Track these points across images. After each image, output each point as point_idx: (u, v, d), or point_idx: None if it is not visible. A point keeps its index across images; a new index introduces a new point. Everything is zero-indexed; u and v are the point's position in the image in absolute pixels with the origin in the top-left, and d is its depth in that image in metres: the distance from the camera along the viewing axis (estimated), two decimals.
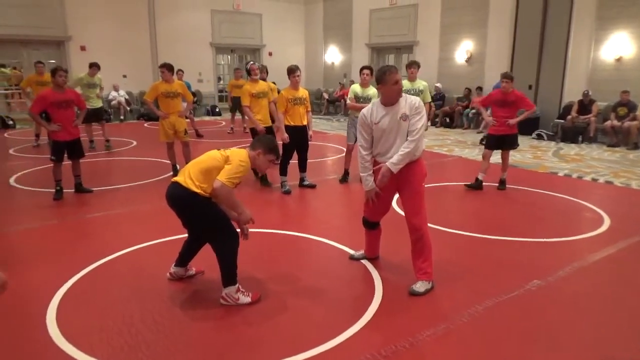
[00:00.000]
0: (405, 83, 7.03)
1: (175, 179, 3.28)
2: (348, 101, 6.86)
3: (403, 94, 3.54)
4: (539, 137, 11.40)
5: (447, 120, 13.56)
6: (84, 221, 5.26)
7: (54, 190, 6.00)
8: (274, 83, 8.32)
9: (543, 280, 3.73)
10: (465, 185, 6.72)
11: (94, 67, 9.21)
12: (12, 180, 6.98)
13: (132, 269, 3.96)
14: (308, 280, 3.79)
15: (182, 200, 3.21)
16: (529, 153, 9.60)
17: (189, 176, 3.19)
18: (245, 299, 3.32)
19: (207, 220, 3.26)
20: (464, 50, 13.65)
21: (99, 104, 9.48)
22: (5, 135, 11.53)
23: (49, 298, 3.41)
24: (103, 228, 5.04)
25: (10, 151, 9.40)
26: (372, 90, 6.74)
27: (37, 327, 3.05)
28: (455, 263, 4.15)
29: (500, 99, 6.51)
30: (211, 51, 16.95)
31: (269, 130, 6.72)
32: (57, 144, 5.97)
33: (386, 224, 5.24)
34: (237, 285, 3.32)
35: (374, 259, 4.13)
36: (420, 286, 3.50)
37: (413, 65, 6.96)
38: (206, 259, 3.60)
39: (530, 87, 12.17)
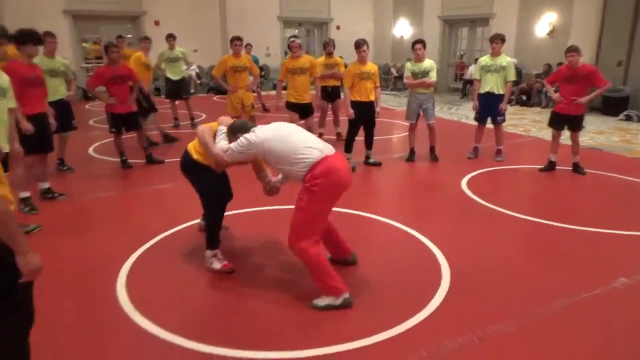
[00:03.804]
0: (486, 59, 6.66)
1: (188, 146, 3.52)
2: (405, 80, 6.73)
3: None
4: (628, 118, 10.43)
5: (524, 98, 12.74)
6: (154, 191, 5.43)
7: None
8: (340, 57, 8.13)
9: (630, 279, 3.38)
10: (538, 169, 6.29)
11: (170, 38, 8.99)
12: (90, 150, 7.37)
13: (200, 240, 4.02)
14: (370, 263, 3.67)
15: (183, 165, 3.52)
16: (616, 136, 8.81)
17: (193, 144, 3.47)
18: (216, 265, 3.43)
19: (198, 187, 3.49)
20: (546, 22, 12.66)
21: (178, 76, 9.07)
22: (87, 106, 12.20)
23: (120, 265, 3.54)
24: (172, 198, 5.18)
25: (90, 122, 9.93)
26: (427, 63, 6.49)
27: (108, 292, 3.17)
28: (530, 253, 3.87)
29: (568, 75, 5.93)
30: (279, 25, 16.89)
31: (306, 107, 6.68)
32: (114, 117, 6.19)
33: (455, 210, 5.01)
34: (215, 251, 3.48)
35: (344, 262, 3.53)
36: (319, 300, 3.00)
37: (496, 38, 6.56)
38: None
39: (619, 63, 11.12)
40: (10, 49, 4.15)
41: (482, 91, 6.68)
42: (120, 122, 6.20)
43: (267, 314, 2.95)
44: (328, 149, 2.98)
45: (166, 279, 3.38)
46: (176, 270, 3.51)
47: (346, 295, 2.99)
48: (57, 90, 5.62)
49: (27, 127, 4.29)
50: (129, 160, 6.35)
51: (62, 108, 5.65)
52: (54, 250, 3.84)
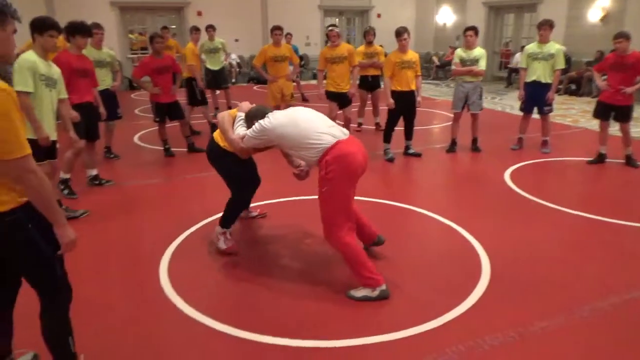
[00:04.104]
0: (533, 46, 6.44)
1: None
2: (453, 66, 6.58)
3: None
4: None
5: (573, 87, 12.20)
6: (196, 179, 5.54)
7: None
8: (381, 46, 8.01)
9: None
10: (587, 161, 6.03)
11: (209, 29, 8.87)
12: (135, 138, 7.60)
13: (241, 228, 4.08)
14: (408, 254, 3.64)
15: (209, 153, 3.59)
16: None
17: (218, 132, 3.48)
18: (222, 244, 3.57)
19: (225, 174, 3.60)
20: (598, 7, 12.05)
21: (218, 66, 8.91)
22: (132, 96, 12.57)
23: (163, 250, 3.65)
24: (213, 186, 5.24)
25: (136, 111, 10.23)
26: (478, 51, 6.33)
27: (151, 276, 3.27)
28: (577, 249, 3.73)
29: (616, 62, 5.64)
30: (319, 14, 16.83)
31: (345, 96, 6.60)
32: (158, 106, 6.33)
33: (497, 203, 4.87)
34: (226, 230, 3.59)
35: (372, 245, 3.55)
36: (356, 291, 2.99)
37: (545, 25, 6.31)
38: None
39: None
40: (60, 41, 4.30)
41: (528, 80, 6.45)
42: (164, 112, 6.34)
43: (304, 303, 2.97)
44: (341, 134, 2.97)
45: (206, 266, 3.46)
46: (216, 258, 3.58)
47: (383, 287, 2.97)
48: (103, 80, 5.80)
49: (74, 115, 4.43)
50: (172, 149, 6.52)
51: (108, 98, 5.82)
52: (101, 235, 4.00)
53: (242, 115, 3.35)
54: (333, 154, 2.85)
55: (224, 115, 3.43)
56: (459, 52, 6.48)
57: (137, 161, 6.38)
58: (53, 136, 3.93)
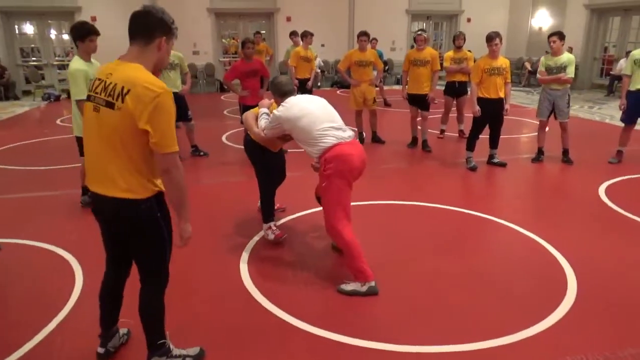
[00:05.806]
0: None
1: None
2: (538, 74, 6.32)
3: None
4: None
5: None
6: None
7: None
8: (469, 51, 7.79)
9: None
10: None
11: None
12: (224, 138, 8.00)
13: (316, 227, 4.18)
14: (488, 266, 3.52)
15: (245, 145, 3.91)
16: None
17: None
18: (270, 236, 3.85)
19: (255, 166, 3.91)
20: None
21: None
22: (222, 97, 13.24)
23: (244, 243, 3.84)
24: (294, 186, 5.40)
25: (225, 112, 10.77)
26: (565, 57, 5.94)
27: (232, 267, 3.46)
28: None
29: None
30: (406, 19, 16.67)
31: (422, 98, 6.83)
32: (245, 108, 6.54)
33: (589, 219, 4.57)
34: (270, 224, 3.90)
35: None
36: (346, 285, 3.16)
37: None
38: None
39: None
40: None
41: (632, 88, 5.97)
42: None
43: (377, 308, 2.99)
44: (345, 136, 3.15)
45: (285, 262, 3.58)
46: (295, 255, 3.70)
47: (372, 284, 3.10)
48: (174, 83, 6.08)
49: None
50: None
51: (176, 101, 6.07)
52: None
53: (264, 110, 3.56)
54: (332, 153, 3.08)
55: (247, 114, 3.71)
56: (544, 59, 6.14)
57: (223, 159, 6.72)
58: None
